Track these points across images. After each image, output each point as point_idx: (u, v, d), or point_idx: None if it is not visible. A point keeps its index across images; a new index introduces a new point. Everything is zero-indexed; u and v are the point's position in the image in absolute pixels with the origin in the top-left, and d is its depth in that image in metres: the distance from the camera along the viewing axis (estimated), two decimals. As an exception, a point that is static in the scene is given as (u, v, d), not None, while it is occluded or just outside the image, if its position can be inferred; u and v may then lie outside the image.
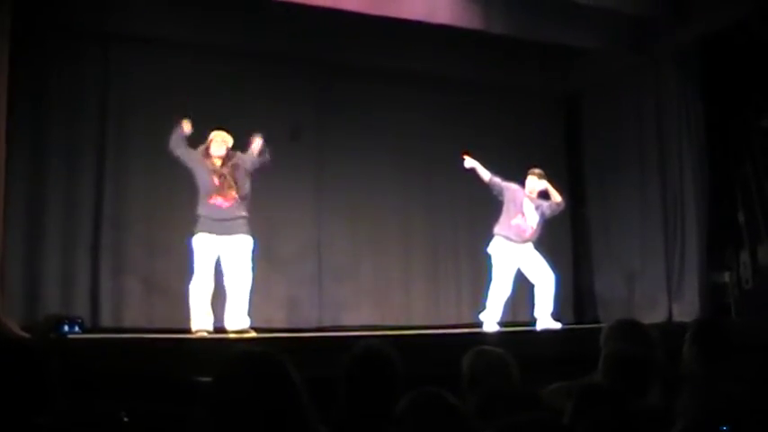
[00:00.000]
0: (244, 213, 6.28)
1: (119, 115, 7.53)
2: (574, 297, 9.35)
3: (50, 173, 7.17)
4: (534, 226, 7.24)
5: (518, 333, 7.39)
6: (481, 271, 8.96)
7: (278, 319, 7.34)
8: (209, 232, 6.18)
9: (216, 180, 6.22)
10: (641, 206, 8.47)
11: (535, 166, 7.40)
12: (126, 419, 2.28)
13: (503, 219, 7.23)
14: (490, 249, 7.25)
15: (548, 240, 9.36)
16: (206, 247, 6.18)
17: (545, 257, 9.31)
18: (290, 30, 7.61)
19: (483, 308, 7.26)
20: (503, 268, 7.20)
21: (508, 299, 9.07)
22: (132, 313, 7.31)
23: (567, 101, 9.68)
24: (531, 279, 7.30)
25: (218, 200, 6.20)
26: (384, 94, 8.44)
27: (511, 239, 7.17)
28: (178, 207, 7.70)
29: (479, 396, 2.79)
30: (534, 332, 7.31)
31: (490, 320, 7.13)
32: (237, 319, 6.19)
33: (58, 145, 7.23)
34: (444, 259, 8.76)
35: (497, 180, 7.27)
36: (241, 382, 1.79)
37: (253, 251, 6.29)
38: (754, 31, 7.16)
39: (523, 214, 7.20)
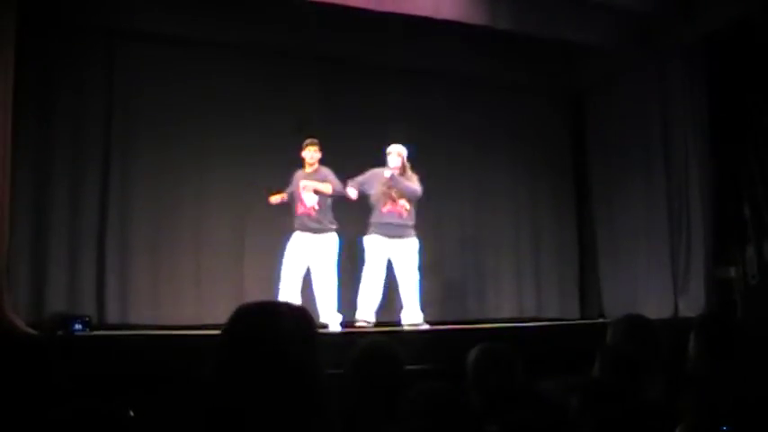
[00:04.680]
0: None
1: (124, 113, 7.54)
2: (579, 292, 9.36)
3: (56, 170, 7.18)
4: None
5: (524, 328, 7.38)
6: (485, 264, 8.99)
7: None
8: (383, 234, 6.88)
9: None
10: (647, 201, 8.45)
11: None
12: (132, 415, 2.29)
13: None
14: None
15: (553, 235, 9.40)
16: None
17: (550, 253, 9.35)
18: (296, 26, 7.61)
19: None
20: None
21: (514, 292, 9.10)
22: (138, 310, 7.33)
23: (573, 98, 9.66)
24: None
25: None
26: (388, 90, 8.44)
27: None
28: (184, 204, 7.75)
29: (483, 392, 2.79)
30: (540, 327, 7.30)
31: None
32: (411, 315, 6.82)
33: (63, 143, 7.24)
34: (450, 254, 8.76)
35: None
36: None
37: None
38: (759, 28, 7.14)
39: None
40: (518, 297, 9.14)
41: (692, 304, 7.61)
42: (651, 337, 3.29)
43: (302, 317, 1.73)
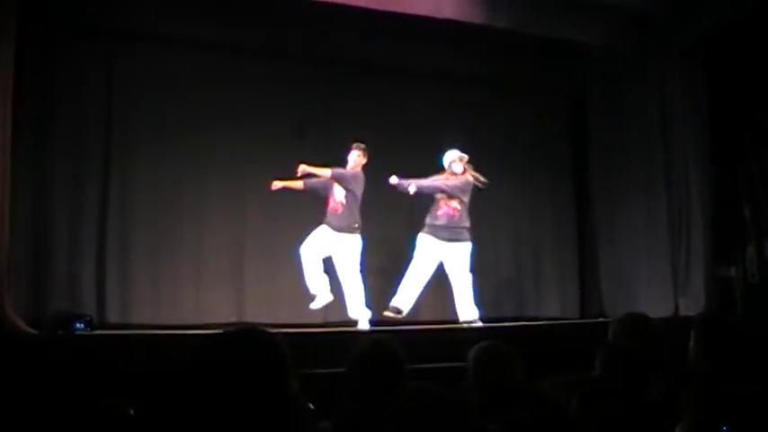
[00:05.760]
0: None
1: (124, 113, 7.53)
2: (580, 291, 9.35)
3: (57, 171, 7.18)
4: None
5: (524, 327, 7.38)
6: (488, 265, 8.98)
7: (284, 314, 7.35)
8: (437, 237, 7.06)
9: None
10: (647, 201, 8.45)
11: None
12: (133, 414, 2.29)
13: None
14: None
15: (553, 235, 9.39)
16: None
17: (550, 251, 9.34)
18: (297, 26, 7.61)
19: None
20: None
21: (514, 290, 9.10)
22: (139, 310, 7.32)
23: (572, 98, 9.65)
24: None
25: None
26: (389, 90, 8.43)
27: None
28: (184, 203, 7.74)
29: (484, 391, 2.80)
30: (540, 326, 7.31)
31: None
32: (467, 312, 6.97)
33: (64, 144, 7.24)
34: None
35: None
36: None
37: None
38: (759, 28, 7.14)
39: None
40: (518, 296, 9.13)
41: (693, 303, 7.61)
42: (652, 336, 3.29)
43: (273, 344, 1.81)
